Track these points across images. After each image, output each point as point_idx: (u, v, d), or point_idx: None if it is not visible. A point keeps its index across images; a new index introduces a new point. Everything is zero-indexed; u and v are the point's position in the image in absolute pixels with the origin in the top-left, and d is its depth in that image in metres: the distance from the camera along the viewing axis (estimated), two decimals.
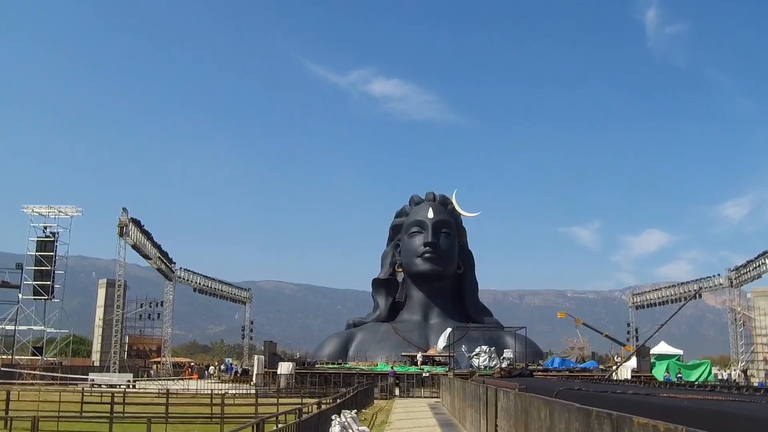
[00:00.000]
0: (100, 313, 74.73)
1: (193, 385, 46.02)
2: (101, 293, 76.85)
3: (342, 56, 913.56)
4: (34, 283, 61.42)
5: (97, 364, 66.18)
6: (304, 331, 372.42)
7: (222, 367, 70.32)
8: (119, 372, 53.83)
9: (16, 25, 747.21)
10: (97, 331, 75.04)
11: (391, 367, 48.26)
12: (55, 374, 49.52)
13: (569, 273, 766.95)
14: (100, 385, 44.21)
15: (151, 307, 72.69)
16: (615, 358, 64.19)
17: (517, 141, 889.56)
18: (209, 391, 33.92)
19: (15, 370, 50.62)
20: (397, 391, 44.26)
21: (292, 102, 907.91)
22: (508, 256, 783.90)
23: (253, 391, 37.18)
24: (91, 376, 49.26)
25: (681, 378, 39.85)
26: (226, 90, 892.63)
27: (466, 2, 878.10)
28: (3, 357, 57.39)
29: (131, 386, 43.83)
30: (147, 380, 52.97)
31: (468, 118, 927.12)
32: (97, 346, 74.92)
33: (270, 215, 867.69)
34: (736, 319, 63.51)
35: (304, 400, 25.23)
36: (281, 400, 27.97)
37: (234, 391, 37.46)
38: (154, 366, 68.54)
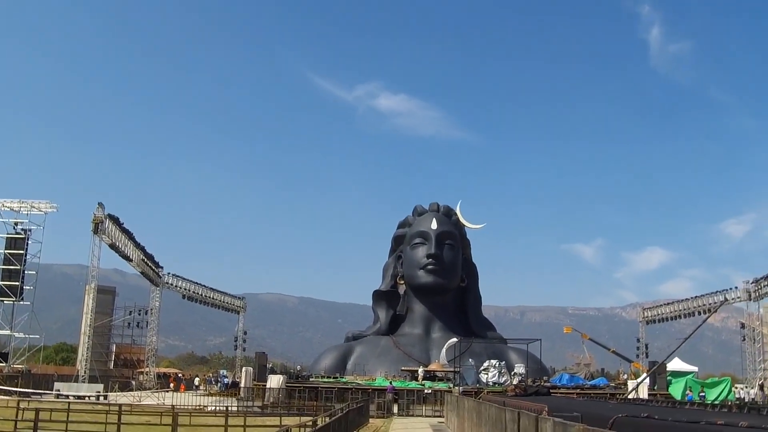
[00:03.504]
0: (87, 320, 71.83)
1: (176, 397, 42.85)
2: (88, 299, 73.99)
3: (349, 71, 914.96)
4: (1, 283, 57.30)
5: (82, 373, 63.21)
6: (304, 344, 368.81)
7: (212, 379, 67.49)
8: (89, 382, 50.53)
9: None
10: (83, 339, 72.12)
11: (390, 382, 45.47)
12: (10, 388, 45.69)
13: (571, 289, 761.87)
14: (67, 396, 41.20)
15: (140, 314, 69.81)
16: (622, 375, 61.45)
17: (520, 157, 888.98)
18: (179, 405, 30.76)
19: None
20: (395, 409, 41.26)
21: (298, 115, 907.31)
22: (510, 272, 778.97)
23: (232, 407, 34.08)
24: (56, 386, 46.13)
25: (704, 397, 37.11)
26: (231, 102, 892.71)
27: (472, 20, 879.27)
28: None
29: (99, 398, 40.84)
30: (121, 393, 49.60)
31: (472, 135, 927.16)
32: (81, 354, 71.98)
33: (272, 227, 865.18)
34: (754, 335, 60.33)
35: (284, 420, 22.04)
36: (255, 420, 24.37)
37: (212, 407, 34.33)
38: (139, 376, 65.51)
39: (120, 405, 23.33)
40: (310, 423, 15.05)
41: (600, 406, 13.03)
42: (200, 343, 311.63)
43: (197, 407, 31.29)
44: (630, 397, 33.11)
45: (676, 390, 39.41)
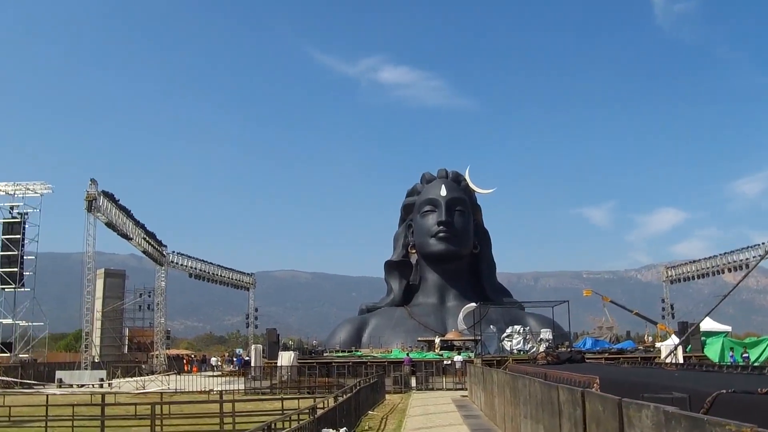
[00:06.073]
0: (98, 305, 70.38)
1: (184, 381, 40.72)
2: (99, 284, 72.52)
3: (350, 45, 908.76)
4: (0, 270, 54.94)
5: (97, 359, 61.71)
6: (321, 319, 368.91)
7: (230, 358, 66.02)
8: (104, 369, 48.66)
9: None
10: (97, 324, 70.82)
11: (407, 354, 43.52)
12: (7, 378, 43.55)
13: (584, 254, 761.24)
14: (71, 385, 39.45)
15: (150, 297, 68.16)
16: (648, 337, 59.27)
17: (526, 123, 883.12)
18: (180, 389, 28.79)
19: None
20: (413, 382, 39.26)
21: (301, 91, 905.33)
22: (522, 239, 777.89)
23: (240, 387, 32.03)
24: (58, 375, 44.30)
25: (747, 358, 34.63)
26: (235, 82, 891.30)
27: None
28: None
29: (102, 386, 38.94)
30: (124, 379, 47.51)
31: (477, 103, 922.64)
32: (96, 340, 70.73)
33: (280, 205, 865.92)
34: None
35: (287, 403, 19.86)
36: (248, 405, 21.99)
37: (219, 388, 32.19)
38: (153, 360, 63.89)
39: (103, 394, 21.47)
40: (308, 410, 12.53)
41: (665, 376, 10.82)
42: (218, 323, 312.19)
43: (201, 391, 29.24)
44: (667, 360, 30.85)
45: (712, 351, 36.95)
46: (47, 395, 23.30)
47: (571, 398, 7.78)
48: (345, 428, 12.75)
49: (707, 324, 42.00)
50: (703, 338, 38.62)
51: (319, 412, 12.74)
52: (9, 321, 55.46)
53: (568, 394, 8.03)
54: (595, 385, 9.09)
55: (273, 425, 9.68)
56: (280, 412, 16.99)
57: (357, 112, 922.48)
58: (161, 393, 25.26)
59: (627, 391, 7.32)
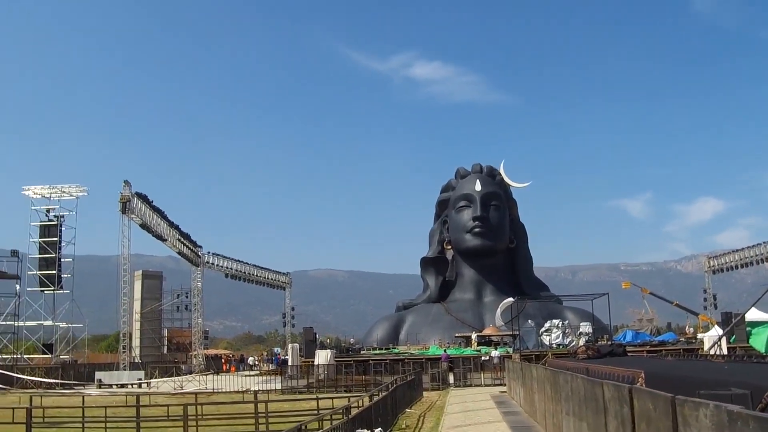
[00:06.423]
0: (137, 306, 71.30)
1: (221, 380, 40.94)
2: (137, 286, 73.49)
3: (382, 42, 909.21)
4: (39, 273, 56.01)
5: (138, 360, 62.51)
6: (357, 316, 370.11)
7: (269, 357, 66.38)
8: (143, 369, 49.20)
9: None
10: (136, 326, 71.79)
11: (444, 350, 43.19)
12: (44, 380, 44.17)
13: (621, 246, 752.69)
14: (110, 386, 39.84)
15: (187, 297, 68.79)
16: (689, 329, 58.16)
17: (560, 116, 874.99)
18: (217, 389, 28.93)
19: (10, 373, 45.81)
20: (451, 379, 38.93)
21: (334, 89, 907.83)
22: (559, 232, 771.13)
23: (277, 386, 32.03)
24: (97, 375, 44.84)
25: None
26: (266, 81, 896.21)
27: None
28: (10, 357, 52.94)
29: (141, 386, 39.31)
30: (162, 379, 47.94)
31: (510, 97, 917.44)
32: (136, 341, 71.69)
33: (314, 205, 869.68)
34: None
35: (322, 402, 19.67)
36: (283, 405, 21.90)
37: (256, 387, 32.22)
38: (192, 360, 64.45)
39: (138, 396, 21.55)
40: (342, 410, 12.26)
41: (714, 369, 10.36)
42: (256, 322, 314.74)
43: (238, 391, 29.29)
44: (711, 352, 30.07)
45: (758, 342, 35.77)
46: (83, 396, 23.46)
47: (618, 395, 7.30)
48: (380, 428, 12.52)
49: (752, 314, 40.79)
50: (747, 328, 37.58)
51: (354, 411, 12.51)
52: (49, 322, 56.35)
53: (614, 390, 7.56)
54: (639, 379, 8.67)
55: (304, 426, 9.43)
56: (316, 411, 16.85)
57: (390, 108, 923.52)
58: (196, 393, 25.25)
59: (675, 386, 6.88)
